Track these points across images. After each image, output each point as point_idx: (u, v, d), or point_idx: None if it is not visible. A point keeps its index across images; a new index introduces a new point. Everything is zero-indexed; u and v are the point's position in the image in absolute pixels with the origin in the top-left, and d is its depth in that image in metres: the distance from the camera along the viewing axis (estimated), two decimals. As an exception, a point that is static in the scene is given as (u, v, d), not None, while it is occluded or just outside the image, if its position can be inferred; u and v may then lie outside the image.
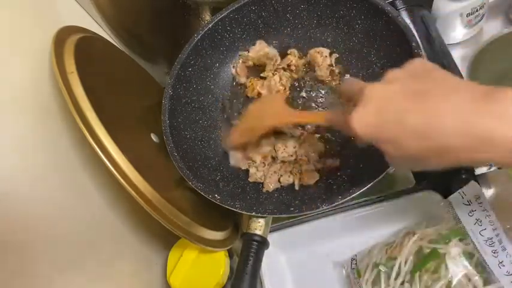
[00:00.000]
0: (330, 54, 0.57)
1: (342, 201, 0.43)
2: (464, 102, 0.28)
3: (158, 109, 0.54)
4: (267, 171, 0.53)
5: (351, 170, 0.50)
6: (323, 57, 0.56)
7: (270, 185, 0.53)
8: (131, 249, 0.57)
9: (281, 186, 0.53)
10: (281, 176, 0.53)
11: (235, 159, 0.56)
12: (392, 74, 0.33)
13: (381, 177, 0.42)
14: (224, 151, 0.58)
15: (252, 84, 0.59)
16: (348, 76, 0.56)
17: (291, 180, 0.53)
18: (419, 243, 0.49)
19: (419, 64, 0.33)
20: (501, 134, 0.26)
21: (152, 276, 0.59)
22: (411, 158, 0.31)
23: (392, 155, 0.32)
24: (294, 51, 0.59)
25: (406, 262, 0.48)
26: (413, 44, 0.46)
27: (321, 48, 0.57)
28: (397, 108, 0.30)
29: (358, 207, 0.56)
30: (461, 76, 0.54)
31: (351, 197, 0.43)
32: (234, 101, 0.61)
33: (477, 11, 0.57)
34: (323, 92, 0.57)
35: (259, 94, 0.59)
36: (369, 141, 0.33)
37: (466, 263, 0.46)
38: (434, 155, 0.30)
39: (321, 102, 0.56)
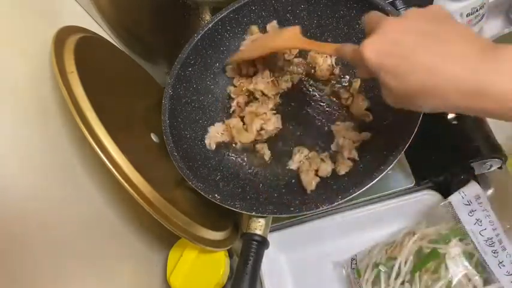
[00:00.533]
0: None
1: (342, 201, 0.43)
2: (472, 50, 0.30)
3: (158, 109, 0.54)
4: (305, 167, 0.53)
5: (351, 170, 0.50)
6: (323, 58, 0.56)
7: (312, 184, 0.51)
8: (131, 249, 0.57)
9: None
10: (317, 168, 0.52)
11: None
12: (412, 12, 0.34)
13: (380, 177, 0.42)
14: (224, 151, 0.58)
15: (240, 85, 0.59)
16: (347, 77, 0.56)
17: (329, 169, 0.51)
18: (419, 243, 0.49)
19: (438, 9, 0.34)
20: (501, 86, 0.28)
21: (152, 276, 0.59)
22: (410, 94, 0.32)
23: (392, 88, 0.33)
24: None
25: (406, 262, 0.48)
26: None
27: None
28: (409, 43, 0.31)
29: (358, 207, 0.56)
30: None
31: (351, 197, 0.43)
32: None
33: (477, 11, 0.57)
34: (321, 93, 0.57)
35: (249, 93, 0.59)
36: (372, 71, 0.34)
37: (466, 263, 0.46)
38: (433, 95, 0.31)
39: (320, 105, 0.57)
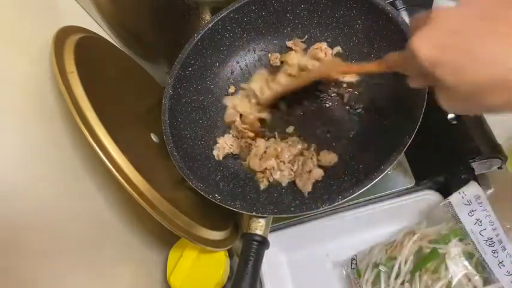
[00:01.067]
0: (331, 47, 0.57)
1: (342, 201, 0.43)
2: None
3: (158, 109, 0.54)
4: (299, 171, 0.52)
5: (350, 170, 0.50)
6: (324, 50, 0.56)
7: (309, 185, 0.51)
8: (131, 249, 0.57)
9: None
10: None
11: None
12: None
13: (380, 177, 0.42)
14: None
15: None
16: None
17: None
18: (419, 243, 0.49)
19: None
20: None
21: (152, 276, 0.59)
22: (475, 91, 0.28)
23: (452, 87, 0.29)
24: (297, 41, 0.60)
25: (406, 262, 0.48)
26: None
27: (318, 44, 0.57)
28: (472, 30, 0.27)
29: (358, 207, 0.56)
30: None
31: (351, 197, 0.43)
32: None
33: (477, 11, 0.57)
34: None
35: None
36: (427, 71, 0.29)
37: (466, 263, 0.46)
38: (496, 90, 0.27)
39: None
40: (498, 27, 0.27)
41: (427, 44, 0.29)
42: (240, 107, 0.58)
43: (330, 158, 0.51)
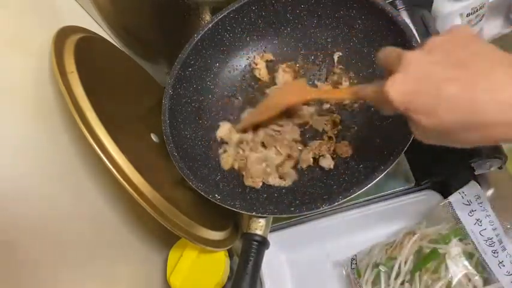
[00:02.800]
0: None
1: (342, 201, 0.43)
2: (509, 77, 0.27)
3: (158, 109, 0.54)
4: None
5: (350, 170, 0.50)
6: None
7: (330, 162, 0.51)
8: (131, 249, 0.57)
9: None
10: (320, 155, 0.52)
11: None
12: (433, 41, 0.31)
13: (380, 177, 0.42)
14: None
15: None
16: (348, 81, 0.56)
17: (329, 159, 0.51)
18: (419, 243, 0.49)
19: (462, 32, 0.31)
20: None
21: (152, 276, 0.59)
22: (443, 131, 0.30)
23: (423, 126, 0.30)
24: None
25: (406, 262, 0.48)
26: (414, 43, 0.46)
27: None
28: (436, 78, 0.29)
29: (358, 207, 0.56)
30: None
31: (351, 197, 0.43)
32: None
33: (477, 11, 0.57)
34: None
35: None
36: (399, 110, 0.31)
37: (466, 263, 0.46)
38: (468, 129, 0.29)
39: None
40: (464, 72, 0.28)
41: (399, 90, 0.30)
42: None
43: (345, 150, 0.52)
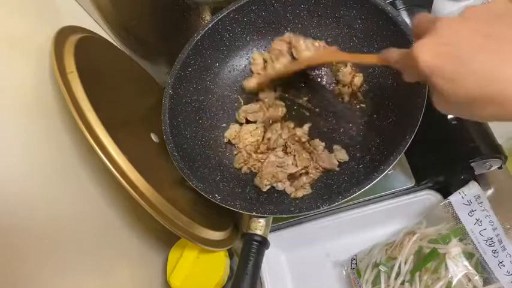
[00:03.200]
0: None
1: (342, 201, 0.43)
2: None
3: (158, 109, 0.54)
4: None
5: (350, 170, 0.50)
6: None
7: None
8: (131, 249, 0.57)
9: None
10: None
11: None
12: (472, 10, 0.31)
13: (380, 177, 0.42)
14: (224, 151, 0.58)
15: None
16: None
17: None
18: (419, 243, 0.49)
19: (501, 5, 0.30)
20: None
21: (152, 276, 0.59)
22: (465, 101, 0.30)
23: (445, 94, 0.30)
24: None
25: (406, 262, 0.48)
26: (414, 43, 0.46)
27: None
28: (468, 46, 0.29)
29: (358, 207, 0.56)
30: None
31: (351, 197, 0.43)
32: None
33: (477, 11, 0.57)
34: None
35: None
36: (424, 74, 0.31)
37: (466, 263, 0.46)
38: (492, 103, 0.28)
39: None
40: (495, 43, 0.28)
41: (429, 52, 0.30)
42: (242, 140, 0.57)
43: (341, 155, 0.52)
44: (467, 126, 0.52)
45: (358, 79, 0.55)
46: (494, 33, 0.29)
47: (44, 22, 0.50)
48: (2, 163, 0.39)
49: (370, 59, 0.44)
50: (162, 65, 0.70)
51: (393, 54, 0.38)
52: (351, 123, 0.54)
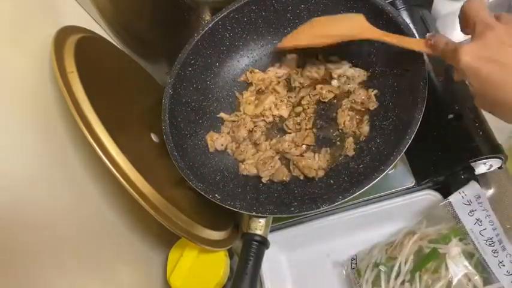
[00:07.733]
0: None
1: (342, 201, 0.43)
2: None
3: (158, 109, 0.54)
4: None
5: (350, 170, 0.50)
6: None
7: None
8: (131, 249, 0.57)
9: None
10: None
11: None
12: None
13: (381, 177, 0.42)
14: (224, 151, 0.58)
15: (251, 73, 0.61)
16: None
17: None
18: (419, 243, 0.49)
19: None
20: None
21: (152, 276, 0.59)
22: (505, 104, 0.32)
23: (486, 96, 0.33)
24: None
25: (406, 262, 0.48)
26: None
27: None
28: (509, 53, 0.32)
29: (358, 207, 0.56)
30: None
31: (351, 197, 0.43)
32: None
33: (477, 11, 0.57)
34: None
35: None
36: (462, 73, 0.34)
37: (466, 263, 0.46)
38: None
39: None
40: None
41: (473, 56, 0.33)
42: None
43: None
44: (467, 126, 0.52)
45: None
46: None
47: (44, 22, 0.50)
48: (2, 163, 0.39)
49: (416, 44, 0.44)
50: (162, 64, 0.70)
51: (441, 44, 0.39)
52: (351, 123, 0.54)
